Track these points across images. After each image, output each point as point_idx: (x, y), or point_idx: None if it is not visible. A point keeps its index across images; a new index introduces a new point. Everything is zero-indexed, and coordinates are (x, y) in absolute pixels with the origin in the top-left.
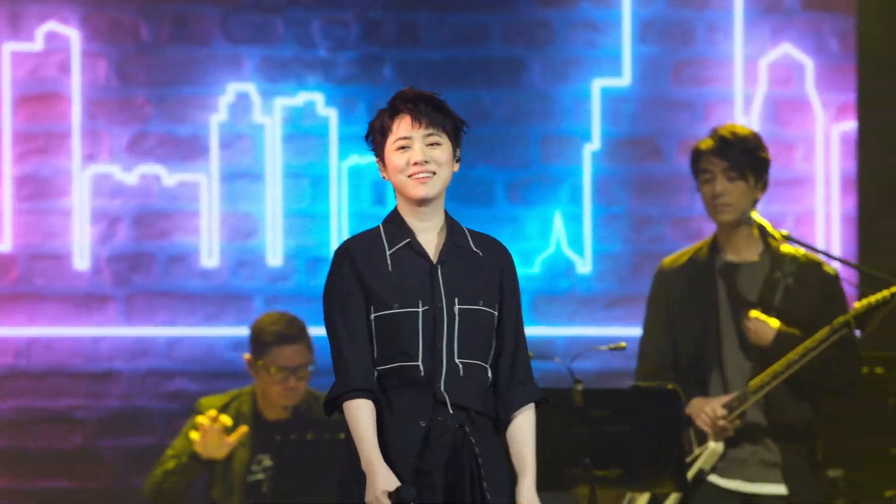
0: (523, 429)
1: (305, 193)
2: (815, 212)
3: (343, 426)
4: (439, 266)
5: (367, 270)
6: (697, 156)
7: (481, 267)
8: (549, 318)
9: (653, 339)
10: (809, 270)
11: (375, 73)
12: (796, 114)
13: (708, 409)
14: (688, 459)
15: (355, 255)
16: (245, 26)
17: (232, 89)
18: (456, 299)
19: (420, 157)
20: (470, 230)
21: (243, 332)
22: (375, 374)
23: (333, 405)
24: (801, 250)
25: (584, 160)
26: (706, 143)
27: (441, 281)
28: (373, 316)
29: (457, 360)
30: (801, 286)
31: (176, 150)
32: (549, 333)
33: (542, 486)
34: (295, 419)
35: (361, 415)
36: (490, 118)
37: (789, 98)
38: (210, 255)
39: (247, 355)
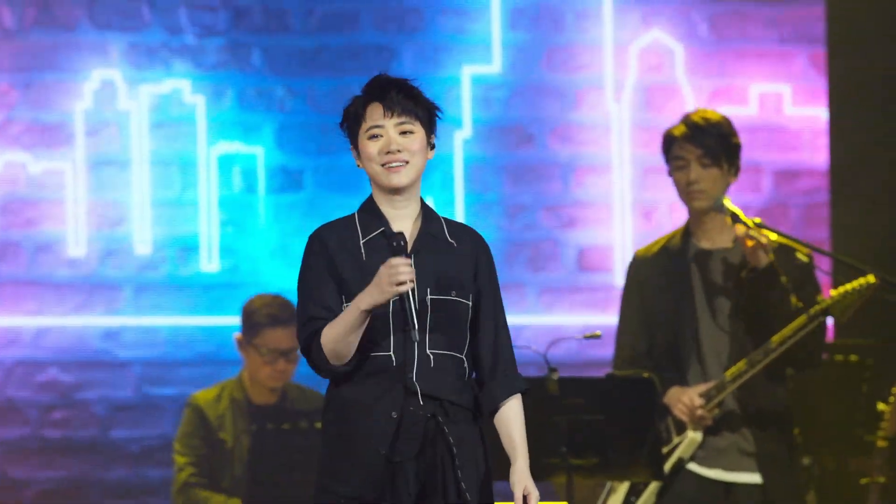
0: (512, 416)
1: (174, 181)
2: None
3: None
4: (413, 255)
5: (340, 259)
6: (670, 142)
7: (455, 256)
8: None
9: (628, 329)
10: (782, 257)
11: (243, 60)
12: (667, 99)
13: (685, 399)
14: (667, 448)
15: (328, 242)
16: (111, 12)
17: (97, 76)
18: (428, 289)
19: (392, 146)
20: (445, 219)
21: (113, 321)
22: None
23: (310, 353)
24: (774, 236)
25: (455, 147)
26: (678, 130)
27: (414, 271)
28: (345, 305)
29: (428, 351)
30: None
31: (41, 137)
32: None
33: None
34: (278, 407)
35: (332, 322)
36: None
37: (660, 84)
38: (77, 244)
39: (237, 335)
